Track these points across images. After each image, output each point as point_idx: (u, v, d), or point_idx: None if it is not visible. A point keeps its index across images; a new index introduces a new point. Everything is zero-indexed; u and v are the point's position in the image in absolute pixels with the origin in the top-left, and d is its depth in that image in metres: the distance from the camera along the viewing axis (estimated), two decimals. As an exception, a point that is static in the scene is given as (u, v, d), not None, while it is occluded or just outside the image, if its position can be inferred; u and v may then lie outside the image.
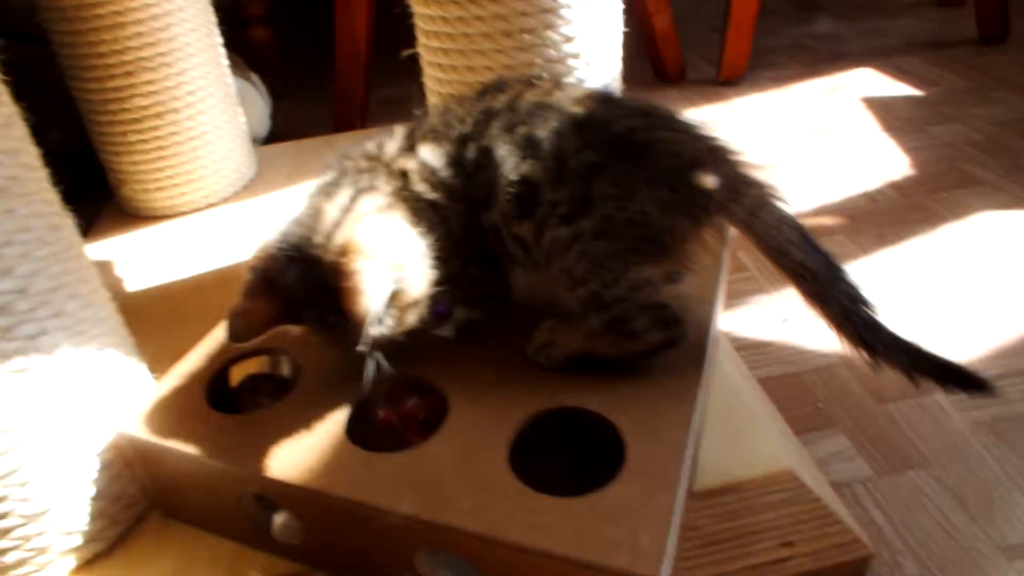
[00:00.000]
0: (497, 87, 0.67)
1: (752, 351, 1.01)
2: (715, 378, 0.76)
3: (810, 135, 1.63)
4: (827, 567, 0.65)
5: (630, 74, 2.08)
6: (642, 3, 1.84)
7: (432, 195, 0.62)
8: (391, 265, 0.56)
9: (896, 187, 1.40)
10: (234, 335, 0.59)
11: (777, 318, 1.06)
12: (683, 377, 0.62)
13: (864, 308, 0.59)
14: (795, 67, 2.01)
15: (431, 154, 0.64)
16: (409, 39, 0.90)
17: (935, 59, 1.97)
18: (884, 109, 1.72)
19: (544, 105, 0.62)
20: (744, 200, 0.59)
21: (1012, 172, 1.40)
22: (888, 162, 1.49)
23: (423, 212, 0.62)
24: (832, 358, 0.98)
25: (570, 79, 0.85)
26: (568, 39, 0.83)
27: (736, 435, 0.71)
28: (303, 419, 0.61)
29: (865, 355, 0.58)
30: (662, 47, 1.91)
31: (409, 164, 0.64)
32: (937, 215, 1.30)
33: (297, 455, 0.58)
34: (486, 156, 0.61)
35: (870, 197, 1.37)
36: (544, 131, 0.60)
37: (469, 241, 0.64)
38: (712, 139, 0.63)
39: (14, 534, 0.60)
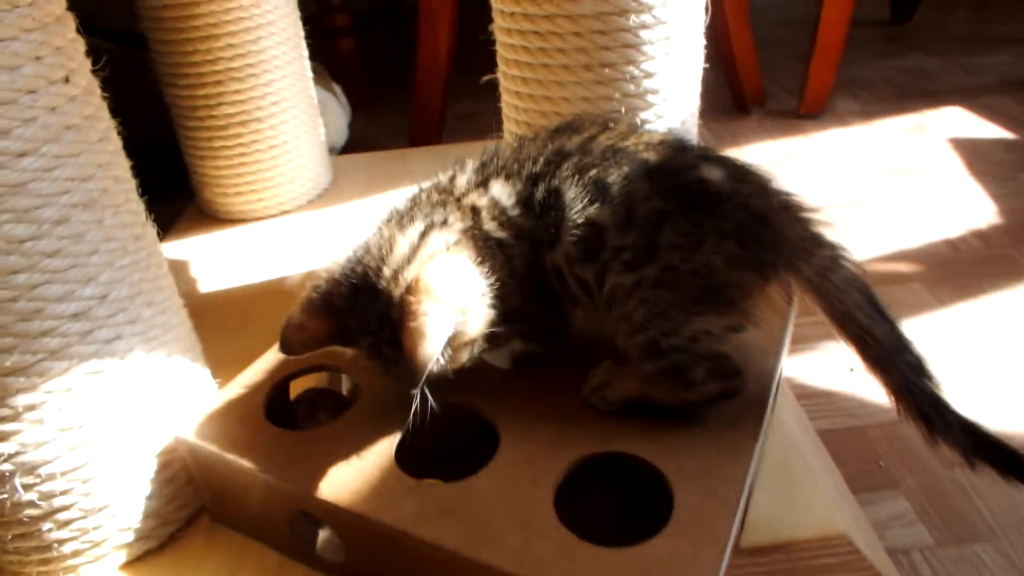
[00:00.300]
0: (572, 127, 0.67)
1: (814, 400, 0.98)
2: (773, 428, 0.74)
3: (891, 175, 1.59)
4: (877, 639, 0.63)
5: (708, 102, 2.06)
6: (724, 30, 1.82)
7: (500, 234, 0.63)
8: (455, 308, 0.57)
9: (980, 236, 1.34)
10: (285, 346, 0.62)
11: (843, 367, 1.03)
12: (741, 430, 0.61)
13: (927, 381, 0.57)
14: (880, 102, 1.95)
15: (502, 192, 0.64)
16: (490, 59, 0.91)
17: (1032, 100, 1.89)
18: (972, 151, 1.66)
19: (617, 150, 0.62)
20: (814, 260, 0.58)
21: (1110, 227, 1.33)
22: (973, 208, 1.43)
23: (489, 250, 0.62)
24: (899, 414, 0.95)
25: (647, 114, 0.84)
26: (648, 75, 0.82)
27: (790, 491, 0.68)
28: (355, 441, 0.62)
29: (924, 429, 0.57)
30: (743, 75, 1.88)
31: (481, 201, 0.64)
32: (1023, 268, 1.24)
33: (346, 477, 0.59)
34: (555, 197, 0.61)
35: (951, 245, 1.32)
36: (615, 176, 0.60)
37: (531, 279, 0.64)
38: (785, 195, 0.62)
39: (73, 526, 0.63)
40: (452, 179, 0.67)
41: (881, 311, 0.58)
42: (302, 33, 1.24)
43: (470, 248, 0.61)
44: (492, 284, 0.60)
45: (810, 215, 0.61)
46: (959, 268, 1.25)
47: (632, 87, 0.82)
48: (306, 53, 1.26)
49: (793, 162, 1.68)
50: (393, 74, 2.39)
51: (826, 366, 1.04)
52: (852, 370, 1.02)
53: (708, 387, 0.60)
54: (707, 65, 0.90)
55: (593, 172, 0.61)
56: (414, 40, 1.73)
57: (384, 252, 0.60)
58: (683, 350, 0.59)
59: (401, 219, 0.63)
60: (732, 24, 1.80)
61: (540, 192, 0.62)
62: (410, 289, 0.56)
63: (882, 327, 0.57)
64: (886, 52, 2.34)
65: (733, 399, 0.61)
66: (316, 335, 0.61)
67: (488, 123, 0.94)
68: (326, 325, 0.61)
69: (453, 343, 0.57)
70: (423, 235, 0.61)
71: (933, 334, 1.10)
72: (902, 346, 0.58)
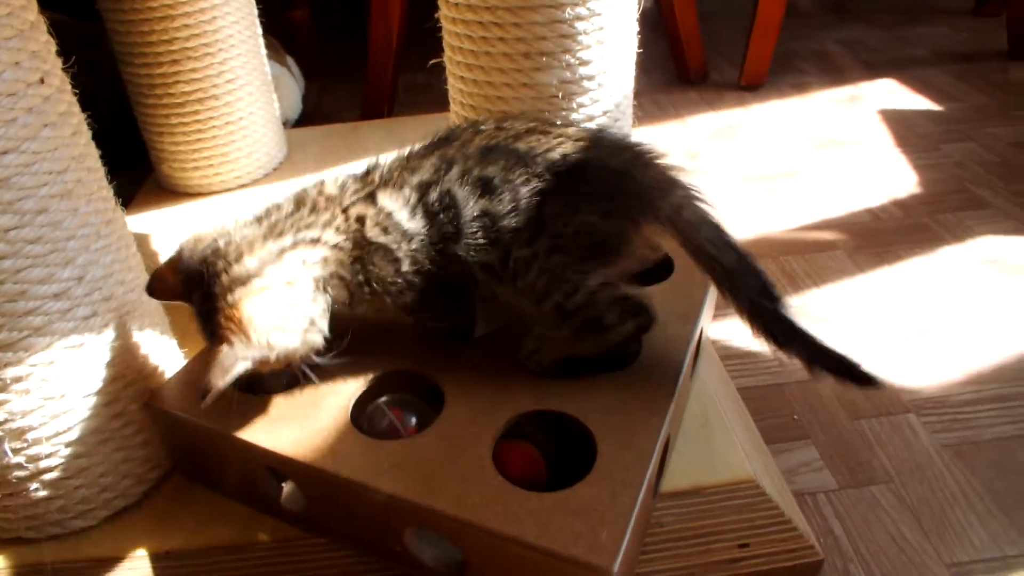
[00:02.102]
0: (449, 137, 0.72)
1: (739, 360, 1.07)
2: (696, 386, 0.83)
3: (823, 146, 1.67)
4: (778, 569, 0.72)
5: (652, 75, 2.12)
6: (669, 4, 1.88)
7: (383, 239, 0.68)
8: (262, 345, 0.61)
9: (899, 204, 1.44)
10: (148, 288, 0.70)
11: (767, 330, 1.12)
12: (658, 390, 0.68)
13: (770, 301, 0.65)
14: (819, 74, 2.04)
15: (390, 200, 0.69)
16: (440, 37, 0.96)
17: (960, 73, 1.98)
18: (900, 123, 1.75)
19: (491, 147, 0.69)
20: (669, 199, 0.66)
21: (1022, 196, 1.42)
22: (895, 178, 1.53)
23: (372, 256, 0.68)
24: (814, 372, 1.04)
25: (583, 98, 0.91)
26: (584, 63, 0.89)
27: (707, 442, 0.77)
28: (313, 403, 0.69)
29: (771, 343, 0.65)
30: (686, 49, 1.95)
31: (367, 211, 0.68)
32: (937, 236, 1.33)
33: (305, 435, 0.66)
34: (449, 198, 0.67)
35: (873, 213, 1.41)
36: (493, 170, 0.67)
37: (424, 275, 0.69)
38: (637, 147, 0.70)
39: (58, 486, 0.69)
40: (343, 187, 0.71)
41: (729, 243, 0.66)
42: (256, 12, 1.28)
43: (334, 266, 0.67)
44: (364, 295, 0.68)
45: (662, 160, 0.69)
46: (879, 236, 1.35)
47: (568, 74, 0.89)
48: (260, 31, 1.30)
49: (733, 133, 1.75)
50: (348, 44, 2.40)
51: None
52: (774, 332, 1.11)
53: (623, 327, 0.69)
54: (641, 49, 0.97)
55: (476, 171, 0.67)
56: (369, 11, 1.75)
57: (235, 256, 0.64)
58: (588, 304, 0.67)
59: (274, 226, 0.67)
60: (677, -1, 1.86)
61: (433, 195, 0.68)
62: (231, 313, 0.61)
63: (729, 257, 0.65)
64: (829, 23, 2.41)
65: (649, 332, 0.70)
66: (171, 290, 0.68)
67: (439, 96, 1.00)
68: (177, 286, 0.67)
69: (262, 364, 0.63)
70: (280, 253, 0.65)
71: (852, 298, 1.19)
72: (748, 273, 0.65)
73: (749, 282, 0.65)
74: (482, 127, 0.72)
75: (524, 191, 0.66)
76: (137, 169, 1.38)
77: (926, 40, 2.21)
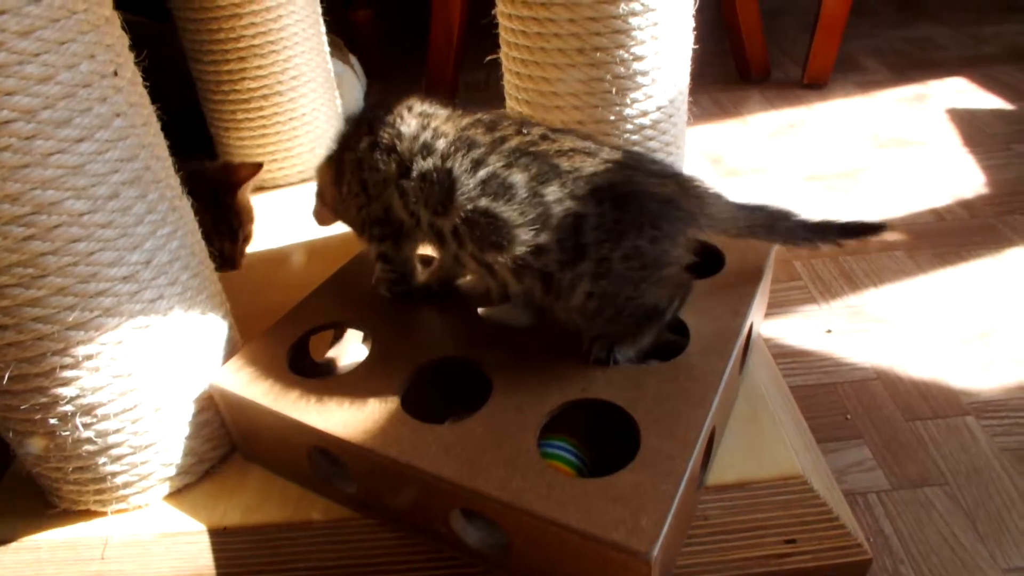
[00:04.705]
0: (490, 123, 0.72)
1: (791, 358, 1.06)
2: (746, 383, 0.82)
3: (887, 145, 1.63)
4: (825, 567, 0.71)
5: (712, 72, 2.10)
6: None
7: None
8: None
9: (965, 205, 1.40)
10: None
11: (821, 329, 1.11)
12: (703, 383, 0.69)
13: (799, 221, 0.76)
14: (884, 72, 1.99)
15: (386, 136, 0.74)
16: (498, 38, 0.98)
17: (1035, 71, 1.91)
18: (969, 122, 1.70)
19: (525, 152, 0.68)
20: (706, 210, 0.72)
21: (1094, 199, 1.38)
22: (962, 178, 1.49)
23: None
24: (868, 372, 1.02)
25: (637, 94, 0.91)
26: (638, 58, 0.89)
27: (755, 437, 0.77)
28: (366, 387, 0.71)
29: (812, 247, 0.78)
30: (747, 45, 1.92)
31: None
32: (1004, 238, 1.30)
33: (358, 418, 0.68)
34: (444, 175, 0.69)
35: (937, 214, 1.38)
36: (521, 177, 0.67)
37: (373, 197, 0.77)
38: (681, 176, 0.73)
39: (124, 461, 0.73)
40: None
41: (752, 208, 0.75)
42: (319, 11, 1.31)
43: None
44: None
45: (695, 182, 0.73)
46: (942, 237, 1.31)
47: (622, 69, 0.89)
48: (323, 29, 1.33)
49: (794, 132, 1.73)
50: (409, 45, 2.44)
51: (805, 328, 1.12)
52: (829, 331, 1.10)
53: (674, 303, 0.74)
54: (700, 45, 0.96)
55: (494, 167, 0.67)
56: (431, 9, 1.78)
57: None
58: (646, 305, 0.70)
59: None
60: (738, -6, 1.84)
61: (428, 164, 0.70)
62: None
63: (758, 217, 0.75)
64: (896, 21, 2.35)
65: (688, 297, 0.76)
66: None
67: (498, 94, 1.02)
68: None
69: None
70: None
71: (912, 299, 1.16)
72: (778, 218, 0.76)
73: (782, 223, 0.76)
74: (527, 130, 0.71)
75: (557, 210, 0.66)
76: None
77: (999, 38, 2.14)
